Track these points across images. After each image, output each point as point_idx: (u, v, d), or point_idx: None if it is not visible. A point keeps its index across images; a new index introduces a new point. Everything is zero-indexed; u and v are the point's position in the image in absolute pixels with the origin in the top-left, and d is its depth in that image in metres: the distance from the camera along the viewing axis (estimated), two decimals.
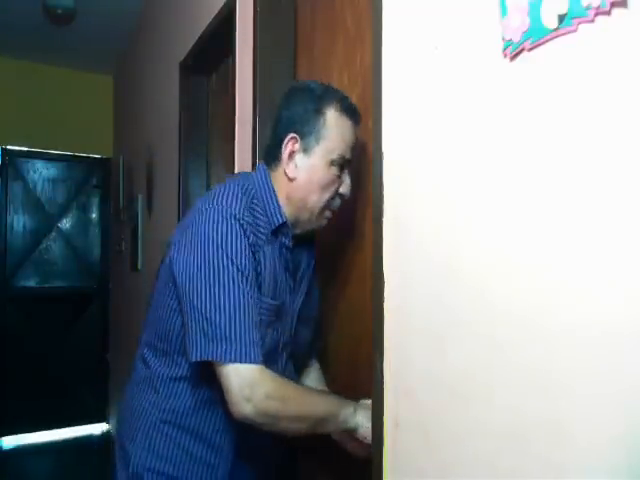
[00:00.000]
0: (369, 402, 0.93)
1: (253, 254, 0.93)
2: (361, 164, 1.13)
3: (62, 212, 4.10)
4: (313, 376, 1.22)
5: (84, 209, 4.21)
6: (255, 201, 0.99)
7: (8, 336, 3.77)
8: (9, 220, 3.90)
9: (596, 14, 0.53)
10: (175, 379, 0.99)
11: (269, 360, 0.95)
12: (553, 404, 0.58)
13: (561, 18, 0.57)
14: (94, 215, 4.25)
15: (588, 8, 0.54)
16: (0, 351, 3.72)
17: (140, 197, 3.06)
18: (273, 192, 1.01)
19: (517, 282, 0.63)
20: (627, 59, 0.52)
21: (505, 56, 0.65)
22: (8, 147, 3.88)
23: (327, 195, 1.01)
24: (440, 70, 0.77)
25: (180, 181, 2.23)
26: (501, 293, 0.65)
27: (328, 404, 0.96)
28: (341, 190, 1.03)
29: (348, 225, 1.20)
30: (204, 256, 0.89)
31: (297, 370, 1.14)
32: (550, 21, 0.58)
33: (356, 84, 1.20)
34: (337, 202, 1.04)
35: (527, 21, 0.61)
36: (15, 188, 3.93)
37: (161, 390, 1.00)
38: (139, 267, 3.04)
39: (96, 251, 4.23)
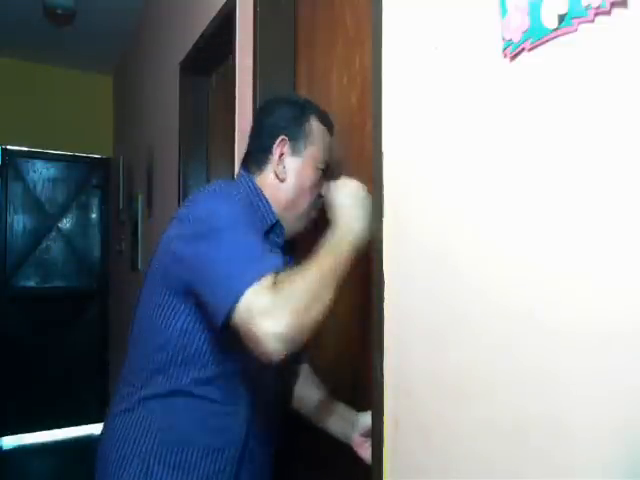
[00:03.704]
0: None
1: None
2: (361, 164, 1.13)
3: (62, 212, 4.10)
4: (305, 380, 1.19)
5: (84, 209, 4.21)
6: (247, 201, 1.02)
7: (8, 336, 3.77)
8: (9, 220, 3.90)
9: (596, 14, 0.53)
10: (173, 394, 0.96)
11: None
12: (554, 402, 0.58)
13: (561, 18, 0.57)
14: (94, 215, 4.24)
15: (588, 8, 0.54)
16: (0, 351, 3.72)
17: (140, 197, 3.06)
18: (262, 194, 1.04)
19: (517, 281, 0.63)
20: (627, 59, 0.52)
21: (505, 56, 0.65)
22: (8, 147, 3.88)
23: (312, 197, 1.07)
24: (440, 70, 0.77)
25: (180, 181, 2.23)
26: (501, 292, 0.65)
27: (326, 254, 0.87)
28: (322, 192, 1.07)
29: None
30: (210, 229, 0.87)
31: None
32: (550, 21, 0.58)
33: (355, 84, 1.20)
34: (319, 203, 1.08)
35: (527, 21, 0.61)
36: (15, 188, 3.93)
37: (157, 410, 0.97)
38: (139, 267, 3.04)
39: (96, 251, 4.22)
